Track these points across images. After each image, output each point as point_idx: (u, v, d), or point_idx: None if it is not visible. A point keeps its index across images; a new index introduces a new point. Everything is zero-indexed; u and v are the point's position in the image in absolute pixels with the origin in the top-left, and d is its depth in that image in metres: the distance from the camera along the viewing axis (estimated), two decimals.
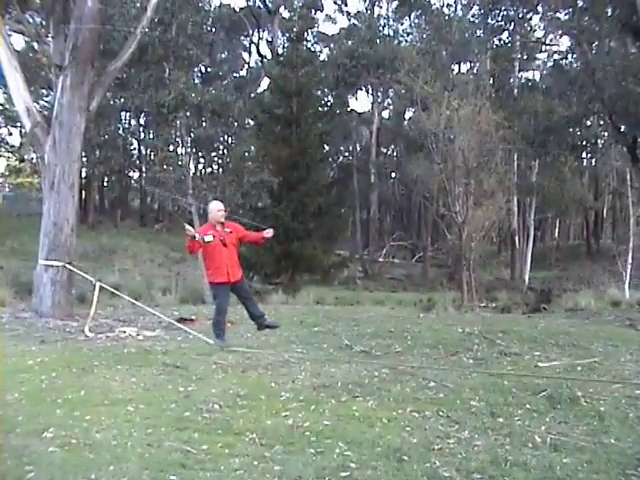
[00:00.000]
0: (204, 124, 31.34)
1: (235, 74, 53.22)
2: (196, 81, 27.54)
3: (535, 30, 45.03)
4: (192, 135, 29.83)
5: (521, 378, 7.77)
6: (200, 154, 40.77)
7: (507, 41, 43.56)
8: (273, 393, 7.12)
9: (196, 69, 37.23)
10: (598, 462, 5.04)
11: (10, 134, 50.45)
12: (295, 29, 33.59)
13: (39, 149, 13.18)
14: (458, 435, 5.70)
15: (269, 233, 10.20)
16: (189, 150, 29.73)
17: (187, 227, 9.78)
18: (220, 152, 43.81)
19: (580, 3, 29.42)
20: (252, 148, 33.27)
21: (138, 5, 19.27)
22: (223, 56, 53.21)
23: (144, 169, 49.29)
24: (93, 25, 12.70)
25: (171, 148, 31.05)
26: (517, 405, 6.66)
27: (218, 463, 4.97)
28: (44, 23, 15.11)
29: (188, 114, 27.53)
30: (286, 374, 8.10)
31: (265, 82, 51.81)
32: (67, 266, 12.86)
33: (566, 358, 9.19)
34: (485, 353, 9.70)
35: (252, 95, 48.02)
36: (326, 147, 37.26)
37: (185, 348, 9.86)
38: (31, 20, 16.80)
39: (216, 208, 10.11)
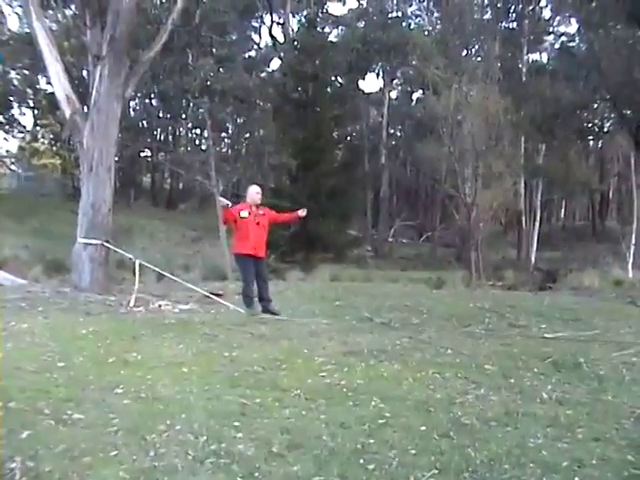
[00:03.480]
0: (227, 109, 32.10)
1: (245, 55, 53.52)
2: (220, 69, 28.16)
3: (543, 8, 45.45)
4: (214, 119, 30.58)
5: (529, 346, 8.51)
6: (223, 135, 41.59)
7: (515, 25, 44.01)
8: (308, 358, 7.79)
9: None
10: (597, 413, 5.79)
11: (23, 114, 51.04)
12: (305, 13, 34.26)
13: (78, 134, 13.92)
14: (475, 392, 6.42)
15: (304, 212, 11.18)
16: (212, 133, 30.49)
17: (220, 198, 10.85)
18: (242, 135, 44.56)
19: None
20: (265, 131, 34.20)
21: None
22: (234, 37, 53.48)
23: (163, 151, 50.10)
24: (131, 18, 13.50)
25: (193, 131, 31.95)
26: (526, 369, 7.35)
27: (272, 413, 5.69)
28: (78, 13, 15.77)
29: (210, 99, 28.31)
30: (316, 342, 8.73)
31: (275, 63, 52.34)
32: (105, 244, 13.66)
33: (570, 330, 9.92)
34: (495, 325, 10.47)
35: (262, 75, 48.72)
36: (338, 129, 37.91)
37: (220, 320, 10.56)
38: (67, 12, 17.71)
39: (255, 191, 11.26)
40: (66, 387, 6.34)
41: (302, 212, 11.29)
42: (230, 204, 10.97)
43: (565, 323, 10.62)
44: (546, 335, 9.53)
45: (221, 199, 11.18)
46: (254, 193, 11.25)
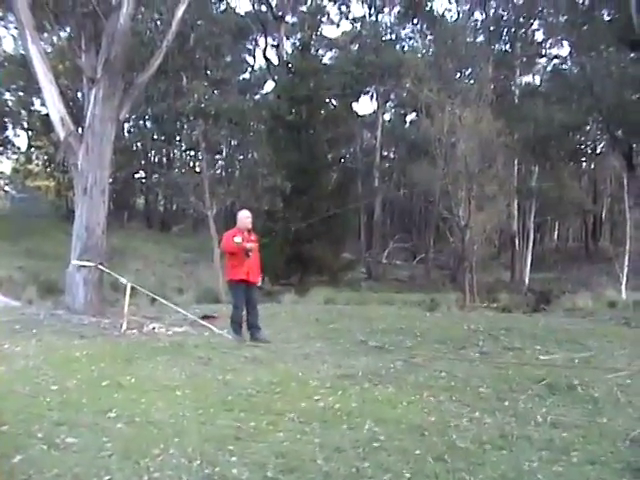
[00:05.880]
0: (221, 131, 32.20)
1: (239, 77, 53.70)
2: (214, 92, 28.32)
3: (536, 31, 45.84)
4: (208, 141, 30.71)
5: (523, 369, 8.48)
6: (217, 157, 41.73)
7: (508, 47, 44.32)
8: (302, 381, 7.79)
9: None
10: (592, 436, 5.78)
11: (17, 136, 51.06)
12: (300, 36, 34.44)
13: (72, 156, 13.92)
14: (470, 415, 6.42)
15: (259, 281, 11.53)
16: (206, 156, 30.57)
17: (243, 244, 10.84)
18: (236, 157, 44.65)
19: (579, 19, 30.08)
20: (259, 153, 34.31)
21: (164, 17, 20.13)
22: (228, 60, 53.55)
23: (157, 173, 50.20)
24: (125, 41, 13.57)
25: (187, 153, 31.98)
26: (520, 391, 7.34)
27: (267, 436, 5.69)
28: (73, 36, 15.86)
29: (204, 121, 28.44)
30: (310, 366, 8.75)
31: (269, 85, 52.52)
32: (99, 267, 13.63)
33: (564, 352, 9.89)
34: (490, 348, 10.41)
35: (256, 98, 48.93)
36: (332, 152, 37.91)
37: (214, 343, 10.55)
38: (62, 35, 17.84)
39: (244, 216, 11.22)
40: (59, 411, 6.34)
41: (260, 279, 11.61)
42: (246, 245, 10.95)
43: (559, 345, 10.58)
44: (540, 357, 9.52)
45: (244, 245, 11.08)
46: (244, 218, 11.22)
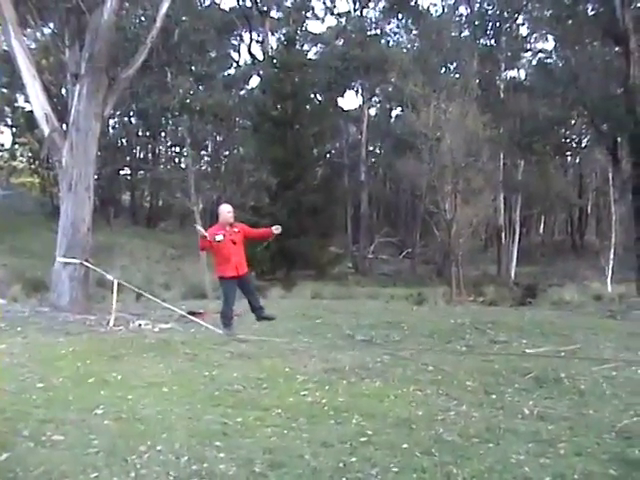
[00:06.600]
0: (207, 127, 32.17)
1: (224, 73, 53.59)
2: (199, 87, 28.27)
3: (521, 25, 45.95)
4: (194, 137, 30.67)
5: (510, 362, 8.48)
6: (202, 153, 41.67)
7: (493, 41, 44.36)
8: (289, 376, 7.77)
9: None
10: (578, 428, 5.79)
11: (0, 132, 50.77)
12: (285, 31, 34.37)
13: (57, 153, 13.84)
14: (457, 409, 6.42)
15: (278, 230, 11.01)
16: (191, 152, 30.53)
17: (198, 228, 10.73)
18: (222, 152, 44.62)
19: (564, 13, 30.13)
20: (245, 149, 34.23)
21: (149, 13, 20.07)
22: (212, 55, 53.44)
23: (142, 169, 50.07)
24: (109, 37, 13.51)
25: (172, 149, 31.92)
26: (507, 385, 7.36)
27: (254, 432, 5.68)
28: (57, 32, 15.80)
29: (189, 117, 28.41)
30: (297, 360, 8.69)
31: (254, 81, 52.39)
32: (84, 263, 13.57)
33: (551, 345, 9.92)
34: (476, 341, 10.44)
35: (241, 93, 48.84)
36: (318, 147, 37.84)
37: (200, 339, 10.52)
38: (45, 30, 17.78)
39: (226, 210, 11.09)
40: (46, 408, 6.30)
41: (276, 229, 11.10)
42: (207, 235, 10.78)
43: (546, 338, 10.61)
44: (527, 350, 9.54)
45: (199, 229, 11.07)
46: (225, 212, 11.09)
